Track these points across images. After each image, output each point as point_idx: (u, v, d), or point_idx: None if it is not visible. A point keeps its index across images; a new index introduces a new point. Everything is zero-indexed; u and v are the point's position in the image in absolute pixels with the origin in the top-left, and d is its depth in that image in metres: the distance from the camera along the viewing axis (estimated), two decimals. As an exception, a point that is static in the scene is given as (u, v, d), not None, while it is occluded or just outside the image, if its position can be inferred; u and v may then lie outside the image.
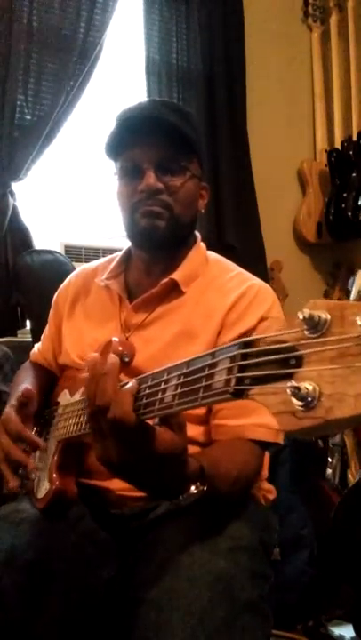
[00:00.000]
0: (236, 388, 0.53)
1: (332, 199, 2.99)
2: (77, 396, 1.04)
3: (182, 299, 1.11)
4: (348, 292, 3.11)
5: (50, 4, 2.42)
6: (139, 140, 1.06)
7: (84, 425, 0.91)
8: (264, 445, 1.00)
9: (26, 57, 2.34)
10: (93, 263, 1.28)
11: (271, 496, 1.14)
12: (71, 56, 2.42)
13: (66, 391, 1.12)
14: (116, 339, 1.02)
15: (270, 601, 0.89)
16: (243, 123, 2.87)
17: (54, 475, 0.98)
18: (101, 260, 1.27)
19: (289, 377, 0.48)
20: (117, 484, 1.03)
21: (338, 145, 3.07)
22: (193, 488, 0.79)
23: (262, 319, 1.04)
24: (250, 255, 2.75)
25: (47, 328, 1.30)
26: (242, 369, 0.53)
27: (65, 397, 1.11)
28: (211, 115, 2.79)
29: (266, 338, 0.52)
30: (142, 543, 0.95)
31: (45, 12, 2.40)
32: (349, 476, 2.41)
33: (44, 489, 0.99)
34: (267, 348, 0.52)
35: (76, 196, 2.67)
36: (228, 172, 2.78)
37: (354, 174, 2.93)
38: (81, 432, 0.92)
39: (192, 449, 0.99)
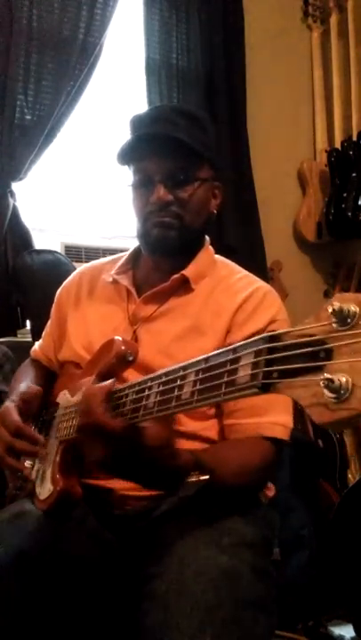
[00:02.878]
0: (264, 382, 0.53)
1: (332, 199, 2.99)
2: (79, 397, 1.04)
3: (191, 295, 1.13)
4: (348, 292, 3.11)
5: (50, 4, 2.41)
6: (149, 151, 1.09)
7: None
8: (277, 443, 1.01)
9: (26, 57, 2.33)
10: (99, 261, 1.30)
11: (270, 493, 1.15)
12: (71, 56, 2.42)
13: (65, 391, 1.12)
14: (118, 338, 1.02)
15: (275, 598, 0.90)
16: (243, 123, 2.87)
17: (57, 475, 0.97)
18: (108, 259, 1.29)
19: (319, 370, 0.48)
20: (119, 484, 1.04)
21: (338, 145, 3.06)
22: (191, 478, 0.81)
23: (272, 321, 1.08)
24: (250, 255, 2.75)
25: (49, 324, 1.31)
26: (269, 363, 0.53)
27: (65, 398, 1.11)
28: (211, 115, 2.78)
29: (292, 332, 0.52)
30: (146, 541, 0.96)
31: (45, 11, 2.39)
32: (349, 476, 2.42)
33: (47, 490, 0.98)
34: (294, 341, 0.52)
35: (76, 196, 2.67)
36: (229, 172, 2.77)
37: (354, 174, 2.93)
38: None
39: (194, 444, 1.00)
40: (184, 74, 2.78)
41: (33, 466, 1.09)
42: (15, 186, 2.33)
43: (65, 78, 2.39)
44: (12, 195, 2.31)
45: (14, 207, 2.32)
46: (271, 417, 1.00)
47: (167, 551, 0.88)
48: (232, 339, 1.06)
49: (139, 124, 1.13)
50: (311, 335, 0.50)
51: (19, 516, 1.00)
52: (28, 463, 1.09)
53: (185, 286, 1.13)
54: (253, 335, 1.05)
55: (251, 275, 1.18)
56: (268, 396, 0.57)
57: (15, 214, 2.32)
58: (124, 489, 1.03)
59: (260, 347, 0.55)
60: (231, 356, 0.59)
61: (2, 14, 2.29)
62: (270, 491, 1.14)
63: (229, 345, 1.05)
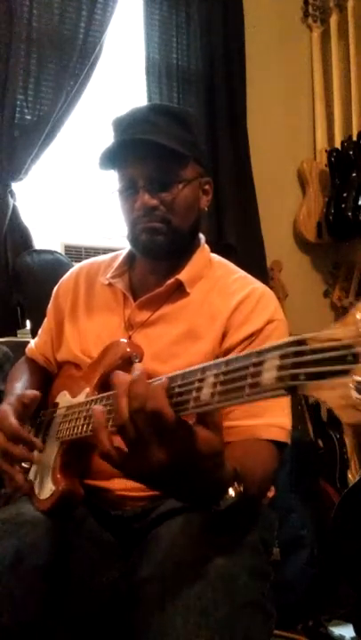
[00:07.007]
0: (291, 383, 0.54)
1: (332, 199, 2.99)
2: (82, 397, 1.03)
3: (187, 299, 1.12)
4: (348, 292, 3.11)
5: (50, 4, 2.41)
6: (130, 157, 1.07)
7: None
8: (277, 446, 1.00)
9: (26, 57, 2.33)
10: (97, 259, 1.29)
11: (270, 494, 1.14)
12: (71, 56, 2.42)
13: (65, 392, 1.12)
14: (123, 340, 1.02)
15: (272, 600, 0.89)
16: (243, 123, 2.87)
17: (59, 475, 0.97)
18: (105, 257, 1.28)
19: (347, 373, 0.50)
20: (118, 484, 1.04)
21: (338, 145, 3.06)
22: (231, 490, 0.78)
23: (269, 321, 1.07)
24: (250, 255, 2.74)
25: (46, 322, 1.30)
26: (296, 365, 0.54)
27: (65, 398, 1.11)
28: (211, 115, 2.79)
29: (318, 336, 0.53)
30: (144, 542, 0.95)
31: (45, 12, 2.40)
32: (349, 476, 2.42)
33: (48, 490, 0.98)
34: (321, 345, 0.52)
35: (76, 196, 2.67)
36: (229, 172, 2.77)
37: (354, 174, 2.93)
38: (91, 433, 0.91)
39: None
40: (184, 74, 2.78)
41: (31, 466, 1.09)
42: (15, 186, 2.33)
43: (65, 78, 2.40)
44: (12, 195, 2.31)
45: (14, 207, 2.32)
46: (267, 419, 0.99)
47: (164, 552, 0.88)
48: (229, 341, 1.05)
49: (119, 126, 1.11)
50: (338, 339, 0.51)
51: (16, 516, 0.99)
52: (25, 464, 1.08)
53: (180, 290, 1.12)
54: (250, 337, 1.07)
55: (247, 275, 1.16)
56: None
57: (15, 214, 2.33)
58: (123, 489, 1.03)
59: (286, 350, 0.55)
60: (254, 359, 0.59)
61: (2, 14, 2.30)
62: (270, 491, 1.14)
63: (227, 349, 1.07)
